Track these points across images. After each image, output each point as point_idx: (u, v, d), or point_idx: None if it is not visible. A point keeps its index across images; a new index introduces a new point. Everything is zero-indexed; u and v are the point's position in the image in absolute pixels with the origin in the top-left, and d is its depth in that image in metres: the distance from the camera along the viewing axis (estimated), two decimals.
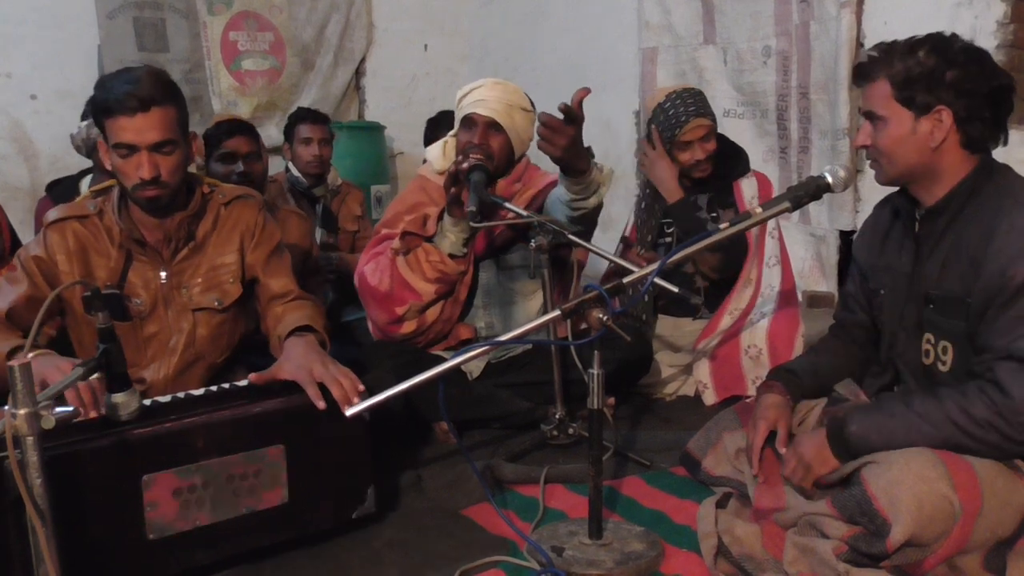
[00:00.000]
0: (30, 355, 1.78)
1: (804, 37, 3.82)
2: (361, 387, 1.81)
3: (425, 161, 2.81)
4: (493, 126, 2.55)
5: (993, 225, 1.65)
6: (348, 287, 3.69)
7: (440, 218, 2.55)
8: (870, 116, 1.77)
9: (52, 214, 2.08)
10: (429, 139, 4.03)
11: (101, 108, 1.95)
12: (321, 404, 1.78)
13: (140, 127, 1.92)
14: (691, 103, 2.94)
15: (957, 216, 1.74)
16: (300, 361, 1.87)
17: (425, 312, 2.58)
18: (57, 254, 2.04)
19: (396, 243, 2.56)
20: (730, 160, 3.06)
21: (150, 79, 1.95)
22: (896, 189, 1.88)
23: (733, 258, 2.94)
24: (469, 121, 2.58)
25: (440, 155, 2.71)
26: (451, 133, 2.72)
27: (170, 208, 2.06)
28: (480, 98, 2.56)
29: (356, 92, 5.85)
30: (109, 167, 2.02)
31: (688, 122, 2.89)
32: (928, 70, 1.68)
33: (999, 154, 1.81)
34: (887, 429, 1.64)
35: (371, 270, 2.60)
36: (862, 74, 1.78)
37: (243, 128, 3.03)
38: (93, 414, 1.65)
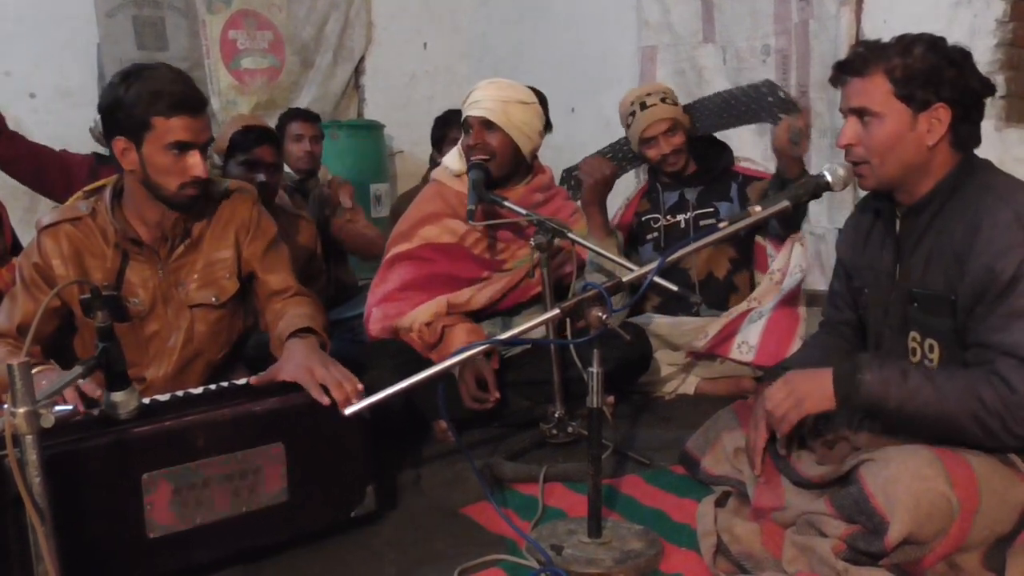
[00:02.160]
0: (34, 371, 1.80)
1: (803, 36, 3.82)
2: (360, 387, 1.82)
3: (434, 164, 2.81)
4: (488, 124, 2.57)
5: (976, 221, 1.65)
6: (345, 278, 3.72)
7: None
8: (860, 113, 1.74)
9: (45, 219, 2.07)
10: (437, 138, 4.03)
11: (153, 108, 1.92)
12: (325, 400, 1.79)
13: (199, 126, 1.97)
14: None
15: (938, 214, 1.74)
16: (301, 362, 1.87)
17: None
18: (52, 259, 2.03)
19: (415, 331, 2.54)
20: (712, 154, 3.09)
21: (187, 78, 2.00)
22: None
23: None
24: (466, 124, 2.61)
25: (457, 158, 2.72)
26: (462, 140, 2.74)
27: (193, 205, 2.08)
28: (474, 100, 2.59)
29: (355, 91, 5.84)
30: (129, 167, 1.98)
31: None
32: (929, 66, 1.68)
33: (997, 153, 1.81)
34: (903, 387, 1.61)
35: (377, 317, 2.60)
36: (851, 68, 1.75)
37: (271, 137, 3.03)
38: (98, 392, 1.66)
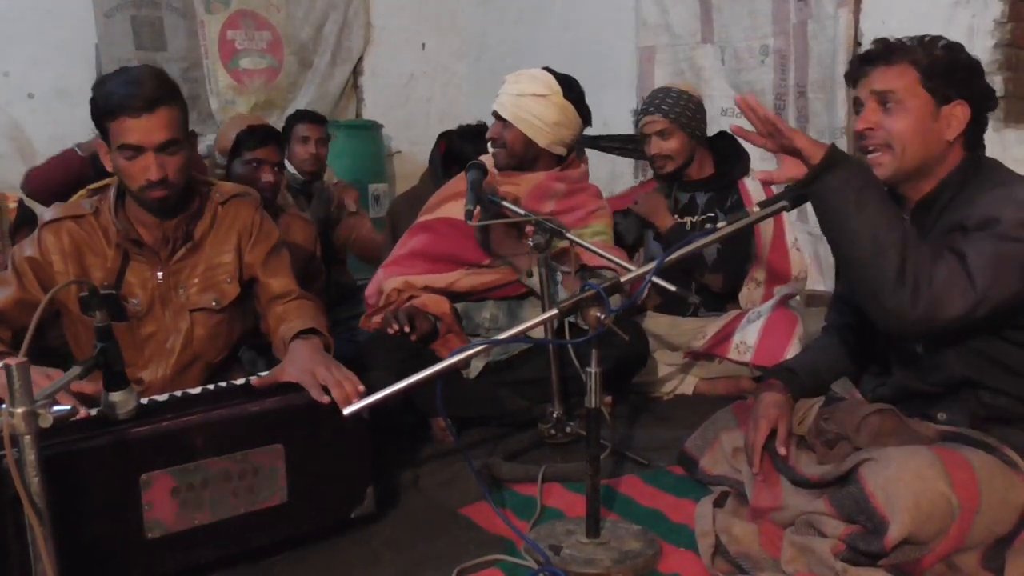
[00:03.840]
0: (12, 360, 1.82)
1: (802, 36, 3.83)
2: (361, 388, 1.82)
3: (435, 165, 2.84)
4: (501, 120, 2.67)
5: (975, 201, 1.67)
6: (343, 280, 3.71)
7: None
8: (883, 98, 1.74)
9: (47, 214, 2.07)
10: (446, 163, 3.82)
11: (104, 110, 1.92)
12: (325, 399, 1.79)
13: (146, 127, 1.91)
14: (651, 100, 3.07)
15: (947, 208, 1.75)
16: (304, 364, 1.87)
17: None
18: (52, 254, 2.02)
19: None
20: (730, 160, 3.07)
21: (152, 78, 1.94)
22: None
23: (732, 274, 3.00)
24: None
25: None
26: None
27: (177, 208, 2.05)
28: (497, 94, 2.69)
29: (354, 91, 5.85)
30: (111, 169, 2.00)
31: (643, 116, 3.04)
32: (952, 63, 1.72)
33: (995, 153, 1.82)
34: (861, 200, 1.61)
35: (377, 277, 2.68)
36: (877, 58, 1.76)
37: (275, 137, 3.04)
38: (89, 389, 1.68)
